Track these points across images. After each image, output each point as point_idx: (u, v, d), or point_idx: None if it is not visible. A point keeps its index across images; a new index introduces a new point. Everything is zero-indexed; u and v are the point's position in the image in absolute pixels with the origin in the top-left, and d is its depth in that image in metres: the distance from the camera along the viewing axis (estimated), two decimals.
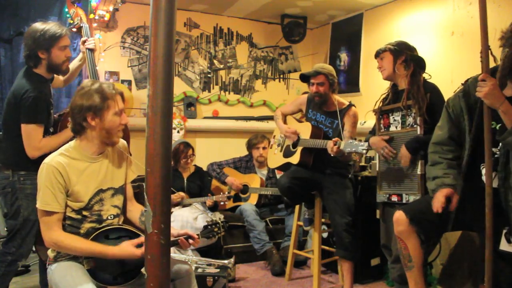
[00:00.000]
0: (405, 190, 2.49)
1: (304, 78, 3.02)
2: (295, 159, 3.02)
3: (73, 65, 2.76)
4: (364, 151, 2.44)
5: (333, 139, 2.61)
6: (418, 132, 2.43)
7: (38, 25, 2.36)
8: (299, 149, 3.00)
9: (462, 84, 2.09)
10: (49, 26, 2.35)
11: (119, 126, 1.87)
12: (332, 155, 2.62)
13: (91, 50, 2.76)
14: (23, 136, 2.28)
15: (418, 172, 2.41)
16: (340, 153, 2.57)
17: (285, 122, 3.29)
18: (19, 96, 2.28)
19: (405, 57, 2.53)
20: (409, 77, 2.50)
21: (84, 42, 2.76)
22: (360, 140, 2.62)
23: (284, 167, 3.16)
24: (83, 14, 2.87)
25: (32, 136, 2.28)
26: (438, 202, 1.95)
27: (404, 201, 2.48)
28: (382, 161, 2.64)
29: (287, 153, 3.15)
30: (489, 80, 1.82)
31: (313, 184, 3.01)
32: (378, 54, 2.65)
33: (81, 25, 2.80)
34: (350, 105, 2.98)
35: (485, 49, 1.81)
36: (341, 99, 3.04)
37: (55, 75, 2.57)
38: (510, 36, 1.85)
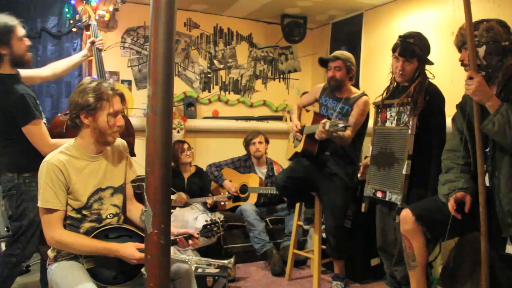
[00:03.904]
0: (389, 188, 2.49)
1: (323, 62, 2.99)
2: (299, 147, 3.01)
3: (72, 60, 2.72)
4: (343, 128, 2.42)
5: (322, 120, 2.60)
6: (409, 132, 2.39)
7: None
8: (303, 137, 2.98)
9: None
10: (0, 19, 2.22)
11: (114, 127, 1.86)
12: (319, 138, 2.63)
13: (99, 50, 2.73)
14: (31, 137, 2.22)
15: (404, 172, 2.39)
16: (328, 133, 2.55)
17: (300, 114, 3.25)
18: (2, 103, 2.18)
19: (424, 66, 2.45)
20: (418, 79, 2.44)
21: (93, 42, 2.70)
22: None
23: (294, 157, 3.15)
24: (92, 11, 2.81)
25: (39, 133, 2.22)
26: (450, 206, 1.93)
27: (387, 199, 2.48)
28: (373, 156, 2.64)
29: (296, 143, 3.15)
30: (476, 77, 1.84)
31: (310, 184, 3.02)
32: (405, 54, 2.40)
33: (90, 22, 2.75)
34: (363, 94, 2.95)
35: (472, 47, 1.84)
36: (355, 89, 3.02)
37: (29, 72, 2.44)
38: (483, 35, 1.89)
